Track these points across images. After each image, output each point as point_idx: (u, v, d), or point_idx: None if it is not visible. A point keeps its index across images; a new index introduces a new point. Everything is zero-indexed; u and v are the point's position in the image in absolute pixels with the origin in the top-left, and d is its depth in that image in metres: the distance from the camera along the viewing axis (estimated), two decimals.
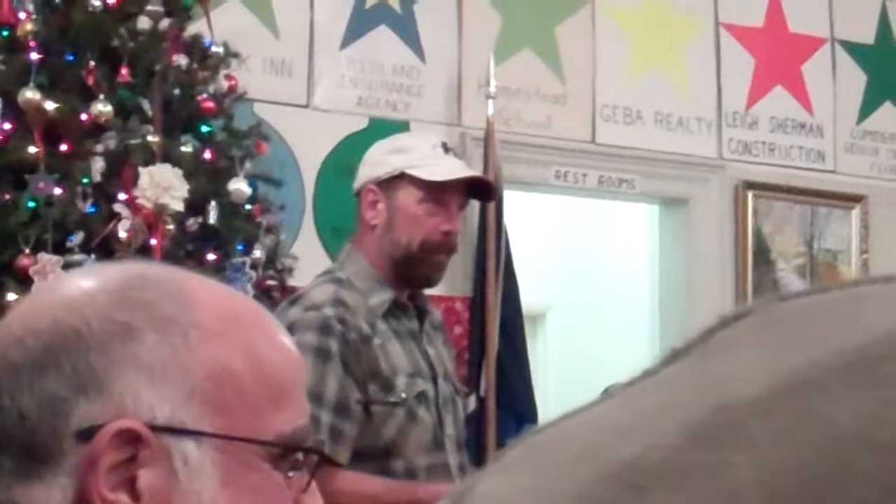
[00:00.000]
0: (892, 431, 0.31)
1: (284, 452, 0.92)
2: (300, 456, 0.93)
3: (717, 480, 0.31)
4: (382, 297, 2.47)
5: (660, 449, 0.32)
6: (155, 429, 0.87)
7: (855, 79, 4.90)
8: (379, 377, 2.39)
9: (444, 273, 2.60)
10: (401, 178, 2.52)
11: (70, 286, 0.93)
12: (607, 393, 0.37)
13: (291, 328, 1.95)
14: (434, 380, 2.49)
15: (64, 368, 0.87)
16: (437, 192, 2.50)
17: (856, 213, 4.83)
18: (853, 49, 4.90)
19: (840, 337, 0.34)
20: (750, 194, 4.67)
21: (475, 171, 2.85)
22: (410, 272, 2.50)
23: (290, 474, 0.92)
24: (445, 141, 2.67)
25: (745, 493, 0.31)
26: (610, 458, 0.33)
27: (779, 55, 4.79)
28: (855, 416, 0.31)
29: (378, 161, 2.57)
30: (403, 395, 2.40)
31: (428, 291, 2.73)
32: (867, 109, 4.91)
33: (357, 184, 2.61)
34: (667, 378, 0.36)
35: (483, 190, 2.74)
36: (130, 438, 0.87)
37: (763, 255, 4.67)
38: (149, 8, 3.23)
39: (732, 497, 0.31)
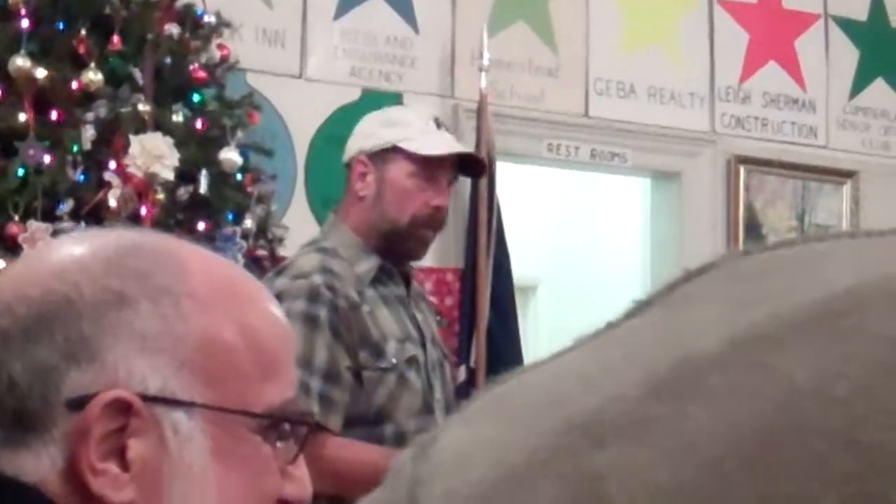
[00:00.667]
0: (848, 386, 0.31)
1: (274, 424, 0.92)
2: (287, 426, 0.93)
3: (675, 432, 0.31)
4: (369, 265, 2.47)
5: (620, 400, 0.33)
6: (146, 399, 0.87)
7: (847, 55, 4.89)
8: (369, 343, 2.40)
9: (429, 248, 2.60)
10: (392, 151, 2.51)
11: (62, 253, 0.92)
12: (571, 343, 0.37)
13: (280, 297, 1.94)
14: (423, 344, 2.50)
15: (55, 337, 0.87)
16: (428, 167, 2.50)
17: (847, 188, 4.83)
18: (846, 25, 4.89)
19: (800, 292, 0.34)
20: (742, 169, 4.67)
21: (467, 148, 2.85)
22: (396, 246, 2.50)
23: (278, 444, 0.93)
24: (438, 116, 2.66)
25: (702, 445, 0.31)
26: (571, 408, 0.33)
27: (772, 30, 4.78)
28: (812, 371, 0.31)
29: (370, 133, 2.56)
30: (394, 361, 2.41)
31: (420, 263, 2.73)
32: (859, 85, 4.91)
33: (347, 154, 2.60)
34: (630, 330, 0.36)
35: (474, 166, 2.74)
36: (122, 408, 0.86)
37: (755, 230, 4.68)
38: None
39: (690, 448, 0.31)
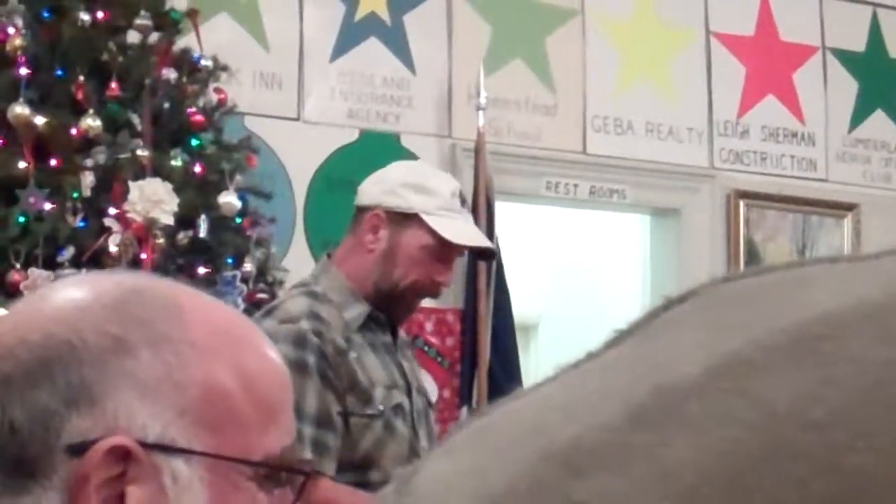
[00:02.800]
0: (827, 410, 0.30)
1: (272, 472, 0.91)
2: (284, 474, 0.93)
3: (654, 461, 0.31)
4: (358, 311, 2.46)
5: (599, 430, 0.33)
6: (146, 446, 0.87)
7: (846, 87, 4.91)
8: (357, 389, 2.39)
9: (413, 314, 2.64)
10: (413, 217, 2.50)
11: (63, 297, 0.92)
12: (553, 373, 0.37)
13: None
14: (409, 392, 2.49)
15: (57, 382, 0.86)
16: (443, 247, 2.50)
17: (848, 221, 4.83)
18: (844, 57, 4.91)
19: (779, 317, 0.33)
20: (742, 203, 4.67)
21: (488, 242, 2.86)
22: (387, 305, 2.50)
23: (274, 492, 0.92)
24: (462, 190, 2.66)
25: (682, 473, 0.31)
26: (551, 438, 0.33)
27: (770, 64, 4.79)
28: (791, 395, 0.31)
29: (395, 191, 2.52)
30: (381, 408, 2.40)
31: (420, 303, 2.74)
32: (859, 117, 4.92)
33: (363, 200, 2.55)
34: (610, 360, 0.36)
35: (485, 253, 2.75)
36: (122, 455, 0.86)
37: (755, 264, 4.67)
38: (138, 22, 3.22)
39: (670, 477, 0.31)
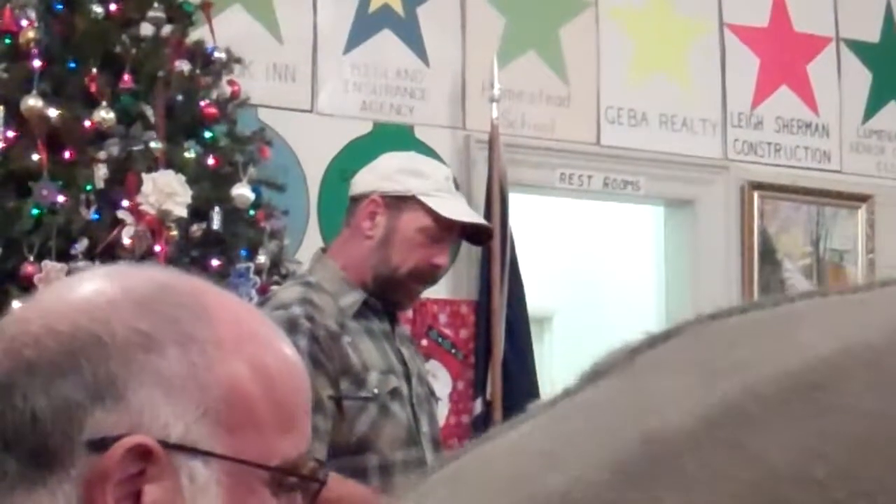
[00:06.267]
0: (827, 468, 0.29)
1: (287, 478, 0.91)
2: (297, 480, 0.93)
3: None
4: (353, 298, 2.48)
5: (588, 484, 0.31)
6: (167, 446, 0.86)
7: (860, 78, 4.88)
8: (350, 373, 2.40)
9: (415, 302, 2.63)
10: (409, 200, 2.51)
11: (93, 290, 0.91)
12: (527, 412, 0.35)
13: None
14: (408, 378, 2.50)
15: (83, 374, 0.86)
16: (441, 227, 2.51)
17: (862, 212, 4.81)
18: (858, 48, 4.88)
19: (773, 361, 0.32)
20: (756, 195, 4.65)
21: (483, 220, 2.89)
22: (387, 292, 2.51)
23: (286, 496, 0.92)
24: (456, 177, 2.69)
25: None
26: (535, 489, 0.31)
27: (784, 55, 4.77)
28: (789, 451, 0.30)
29: (390, 176, 2.55)
30: (375, 391, 2.41)
31: (434, 295, 2.74)
32: (873, 108, 4.90)
33: (359, 188, 2.59)
34: (592, 400, 0.34)
35: (479, 235, 2.75)
36: (142, 454, 0.86)
37: (769, 256, 4.66)
38: (151, 14, 3.22)
39: None
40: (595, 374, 0.35)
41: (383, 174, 2.56)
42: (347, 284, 2.49)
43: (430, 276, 2.54)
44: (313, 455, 2.32)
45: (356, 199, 2.57)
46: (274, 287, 3.22)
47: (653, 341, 0.35)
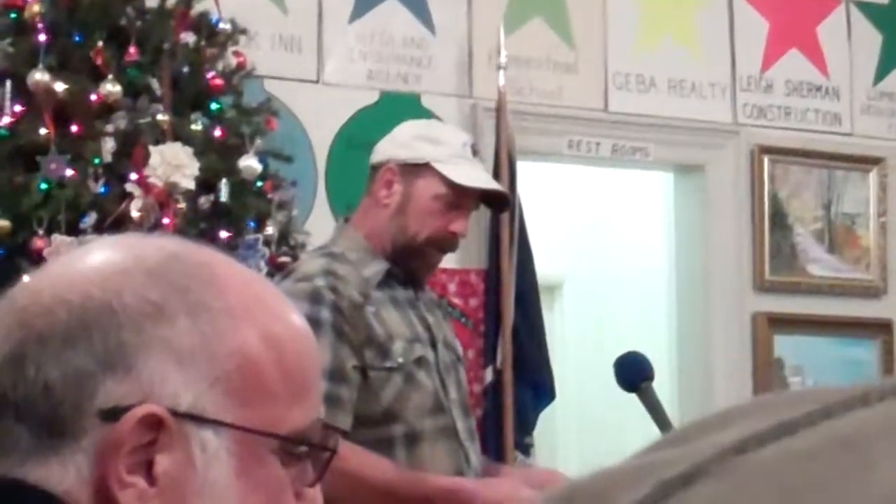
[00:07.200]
0: None
1: (296, 447, 0.91)
2: (306, 450, 0.93)
3: None
4: (377, 268, 2.48)
5: None
6: (178, 415, 0.87)
7: (870, 39, 4.85)
8: (374, 343, 2.40)
9: (435, 270, 2.62)
10: (424, 167, 2.51)
11: (103, 259, 0.91)
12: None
13: None
14: (434, 345, 2.50)
15: (94, 344, 0.86)
16: (457, 194, 2.50)
17: (873, 175, 4.79)
18: (868, 9, 4.85)
19: None
20: (766, 159, 4.63)
21: (499, 186, 2.85)
22: (406, 261, 2.50)
23: (295, 465, 0.92)
24: (475, 143, 2.65)
25: None
26: None
27: (793, 17, 4.74)
28: None
29: (405, 143, 2.54)
30: (400, 360, 2.41)
31: (443, 264, 2.74)
32: (883, 70, 4.86)
33: (377, 157, 2.58)
34: None
35: (497, 201, 2.73)
36: (153, 423, 0.86)
37: (780, 221, 4.64)
38: None
39: None
40: None
41: (399, 142, 2.56)
42: (370, 254, 2.49)
43: (447, 243, 2.53)
44: (330, 423, 2.33)
45: (375, 168, 2.56)
46: (283, 258, 3.23)
47: (668, 488, 0.28)
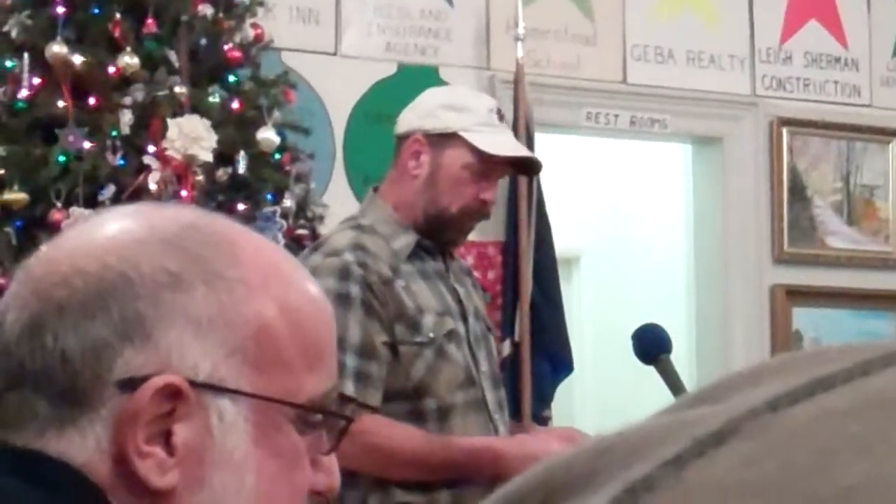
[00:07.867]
0: None
1: (313, 416, 0.92)
2: (322, 418, 0.93)
3: None
4: (406, 240, 2.46)
5: None
6: (195, 385, 0.87)
7: (890, 10, 4.81)
8: (404, 318, 2.38)
9: (468, 237, 2.60)
10: (452, 137, 2.47)
11: (120, 228, 0.91)
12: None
13: (313, 274, 1.95)
14: (464, 318, 2.48)
15: (112, 314, 0.86)
16: (485, 163, 2.47)
17: (892, 146, 4.76)
18: None
19: None
20: (785, 131, 4.61)
21: (528, 151, 2.83)
22: (439, 231, 2.48)
23: (311, 433, 0.92)
24: (501, 107, 2.62)
25: None
26: None
27: None
28: None
29: (431, 113, 2.51)
30: (431, 335, 2.40)
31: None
32: None
33: (402, 128, 2.54)
34: None
35: (528, 167, 2.71)
36: (172, 393, 0.86)
37: (799, 192, 4.62)
38: None
39: None
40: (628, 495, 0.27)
41: (424, 111, 2.52)
42: (400, 226, 2.47)
43: (480, 212, 2.51)
44: (360, 400, 2.31)
45: (401, 139, 2.54)
46: (301, 231, 3.23)
47: (702, 446, 0.27)
